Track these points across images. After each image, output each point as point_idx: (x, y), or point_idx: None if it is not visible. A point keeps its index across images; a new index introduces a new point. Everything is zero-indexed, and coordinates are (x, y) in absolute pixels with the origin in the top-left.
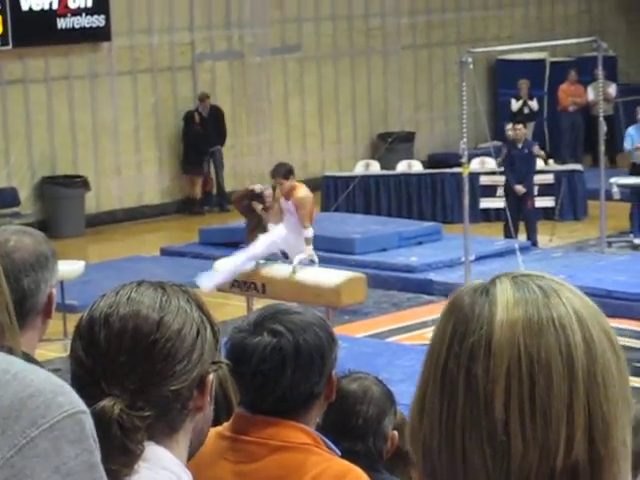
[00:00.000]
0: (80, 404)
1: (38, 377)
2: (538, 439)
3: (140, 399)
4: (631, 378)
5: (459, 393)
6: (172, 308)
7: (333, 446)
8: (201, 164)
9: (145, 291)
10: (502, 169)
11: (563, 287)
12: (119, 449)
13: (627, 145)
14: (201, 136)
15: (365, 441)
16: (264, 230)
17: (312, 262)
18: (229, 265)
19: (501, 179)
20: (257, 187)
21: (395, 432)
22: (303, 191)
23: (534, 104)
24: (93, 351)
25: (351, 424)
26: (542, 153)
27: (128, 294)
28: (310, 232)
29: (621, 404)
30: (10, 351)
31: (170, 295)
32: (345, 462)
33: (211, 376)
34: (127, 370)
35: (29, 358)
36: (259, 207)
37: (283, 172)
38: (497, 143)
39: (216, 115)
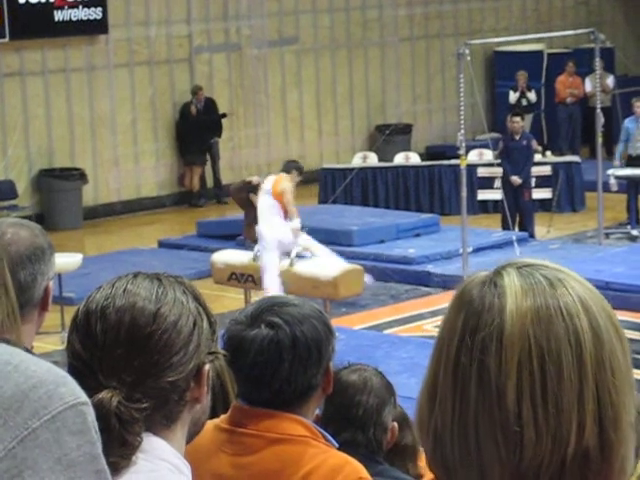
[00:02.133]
0: (82, 395)
1: (40, 368)
2: (550, 428)
3: (137, 391)
4: None
5: (471, 385)
6: (168, 300)
7: (331, 438)
8: (200, 156)
9: (141, 283)
10: (499, 161)
11: (567, 276)
12: (117, 441)
13: (623, 137)
14: (198, 128)
15: (365, 431)
16: None
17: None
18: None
19: (499, 171)
20: (255, 179)
21: (395, 424)
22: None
23: (532, 96)
24: (90, 344)
25: (351, 414)
26: (539, 148)
27: (124, 286)
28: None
29: (627, 388)
30: (12, 344)
31: (166, 287)
32: (342, 455)
33: (207, 367)
34: (124, 362)
35: (27, 351)
36: (256, 199)
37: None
38: (495, 135)
39: (211, 107)
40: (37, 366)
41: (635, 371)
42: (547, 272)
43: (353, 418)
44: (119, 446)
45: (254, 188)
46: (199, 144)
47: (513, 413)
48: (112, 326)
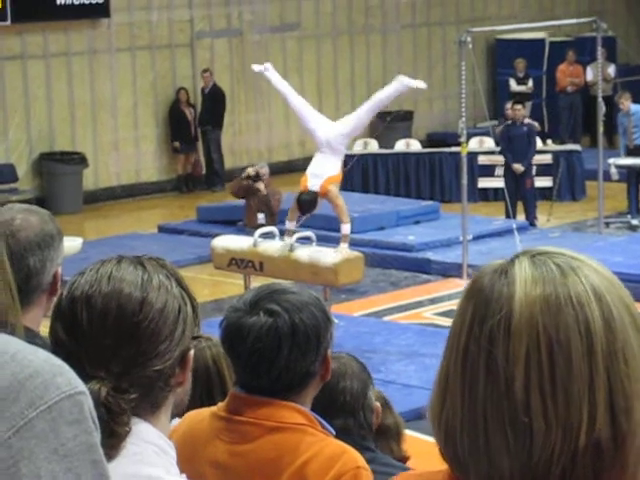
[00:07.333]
0: (79, 385)
1: (37, 357)
2: (560, 418)
3: (124, 380)
4: None
5: (480, 375)
6: (154, 285)
7: (328, 426)
8: (189, 144)
9: (126, 268)
10: (500, 149)
11: (583, 264)
12: (106, 432)
13: (621, 130)
14: (184, 115)
15: (356, 416)
16: (269, 208)
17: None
18: None
19: (500, 159)
20: (251, 170)
21: (378, 404)
22: None
23: (529, 84)
24: (75, 332)
25: (339, 402)
26: (537, 125)
27: (109, 272)
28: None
29: None
30: (12, 331)
31: (150, 272)
32: (340, 443)
33: (192, 352)
34: (111, 352)
35: (33, 334)
36: (262, 186)
37: None
38: (496, 123)
39: (215, 95)
40: (34, 355)
41: None
42: (561, 260)
43: (342, 405)
44: (107, 437)
45: (255, 177)
46: (186, 131)
47: (522, 403)
48: (99, 314)
